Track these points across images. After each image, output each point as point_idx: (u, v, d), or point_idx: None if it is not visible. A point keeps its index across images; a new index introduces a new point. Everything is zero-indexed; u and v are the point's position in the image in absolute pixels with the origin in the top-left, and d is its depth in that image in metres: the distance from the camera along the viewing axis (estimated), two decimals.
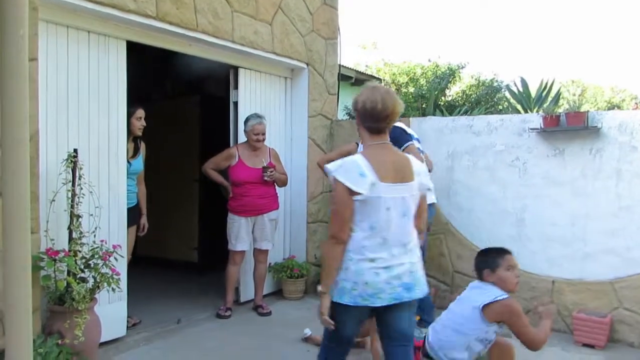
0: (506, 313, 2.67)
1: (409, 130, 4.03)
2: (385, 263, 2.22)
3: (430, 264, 5.12)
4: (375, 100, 2.24)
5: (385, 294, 2.22)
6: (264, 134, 4.50)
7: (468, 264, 4.92)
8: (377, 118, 2.25)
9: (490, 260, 2.88)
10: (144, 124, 4.07)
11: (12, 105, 1.85)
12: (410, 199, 2.27)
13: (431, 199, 4.03)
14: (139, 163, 4.15)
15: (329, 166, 2.23)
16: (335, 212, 2.21)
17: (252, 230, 4.54)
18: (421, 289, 2.31)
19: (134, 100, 4.00)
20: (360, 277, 2.21)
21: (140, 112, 4.04)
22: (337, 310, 2.28)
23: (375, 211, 2.18)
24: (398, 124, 3.41)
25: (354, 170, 2.18)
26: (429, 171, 2.60)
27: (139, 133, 4.06)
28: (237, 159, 4.51)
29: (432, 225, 4.82)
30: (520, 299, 4.58)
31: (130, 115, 3.96)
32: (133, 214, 4.11)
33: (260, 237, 4.55)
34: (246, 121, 4.53)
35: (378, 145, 2.28)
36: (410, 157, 2.36)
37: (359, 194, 2.16)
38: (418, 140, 4.12)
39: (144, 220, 4.28)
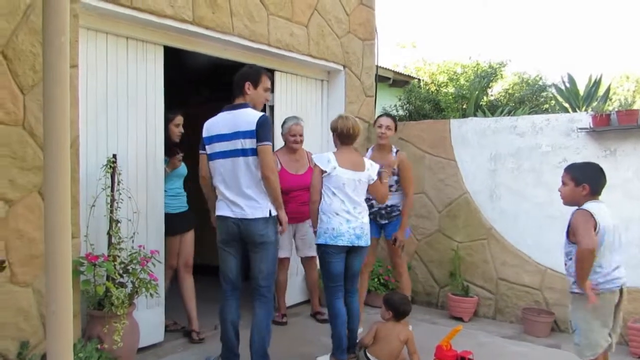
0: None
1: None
2: (346, 217, 3.58)
3: (473, 270, 5.02)
4: (346, 126, 3.69)
5: (345, 238, 3.56)
6: (301, 135, 4.49)
7: (513, 271, 4.81)
8: (347, 136, 3.70)
9: None
10: (182, 130, 4.13)
11: (54, 112, 1.91)
12: (358, 182, 3.65)
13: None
14: (183, 167, 4.20)
15: (313, 156, 3.80)
16: (311, 182, 3.66)
17: (294, 237, 4.53)
18: (366, 240, 3.65)
19: (172, 106, 4.07)
20: (330, 224, 3.56)
21: (179, 119, 4.10)
22: (320, 250, 3.61)
23: (335, 183, 3.60)
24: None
25: (324, 158, 3.65)
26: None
27: (177, 140, 4.11)
28: (279, 167, 4.43)
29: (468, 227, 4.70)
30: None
31: (168, 121, 4.02)
32: (187, 219, 4.17)
33: (303, 245, 4.52)
34: (283, 123, 4.54)
35: (345, 149, 3.72)
36: (365, 158, 3.82)
37: (325, 172, 3.58)
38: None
39: None
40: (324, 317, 4.60)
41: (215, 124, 3.35)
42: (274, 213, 3.31)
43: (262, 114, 3.28)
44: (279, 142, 4.76)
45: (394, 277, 4.58)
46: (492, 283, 4.94)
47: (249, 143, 3.21)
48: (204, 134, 3.40)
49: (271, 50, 4.54)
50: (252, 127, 3.20)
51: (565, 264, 2.98)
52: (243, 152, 3.23)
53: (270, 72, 4.87)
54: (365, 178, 3.70)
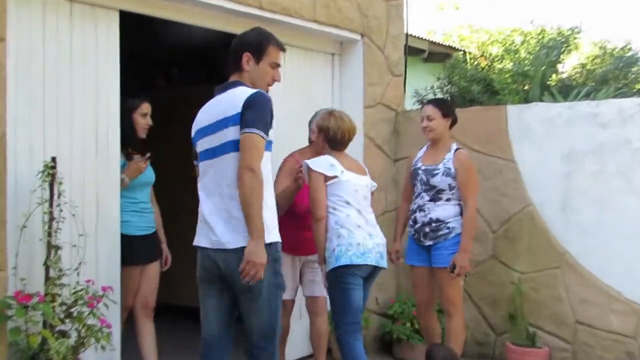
0: None
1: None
2: (368, 230, 3.86)
3: (542, 311, 4.97)
4: (341, 130, 3.95)
5: (372, 255, 3.79)
6: None
7: (597, 311, 4.75)
8: (342, 142, 3.99)
9: None
10: (150, 122, 4.12)
11: None
12: (366, 188, 4.00)
13: None
14: (151, 172, 4.20)
15: (307, 161, 3.90)
16: (312, 195, 3.83)
17: (301, 271, 4.48)
18: (385, 262, 3.94)
19: (131, 90, 4.06)
20: (354, 239, 3.75)
21: (146, 107, 4.08)
22: (337, 275, 3.76)
23: (347, 190, 3.85)
24: None
25: (325, 162, 3.85)
26: None
27: (143, 135, 4.11)
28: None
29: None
30: None
31: (131, 110, 4.02)
32: (153, 244, 4.17)
33: (312, 281, 4.46)
34: (314, 116, 4.42)
35: (338, 153, 3.98)
36: (359, 161, 4.33)
37: (332, 177, 3.81)
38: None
39: (166, 250, 4.34)
40: None
41: (201, 115, 3.23)
42: (270, 239, 2.98)
43: (255, 90, 3.03)
44: (290, 142, 4.67)
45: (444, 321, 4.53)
46: (567, 328, 4.89)
47: (232, 133, 2.98)
48: (192, 131, 3.26)
49: (264, 15, 4.54)
50: (238, 109, 2.95)
51: None
52: (226, 148, 3.02)
53: None
54: (369, 184, 4.06)
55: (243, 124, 2.92)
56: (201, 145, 3.17)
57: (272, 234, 3.02)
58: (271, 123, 3.01)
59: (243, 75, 3.14)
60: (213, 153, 3.08)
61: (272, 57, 3.17)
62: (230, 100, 3.03)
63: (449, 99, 6.70)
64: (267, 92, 3.16)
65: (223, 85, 3.18)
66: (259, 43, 3.15)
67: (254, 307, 3.03)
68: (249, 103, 2.93)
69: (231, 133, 2.97)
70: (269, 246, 2.95)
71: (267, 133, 2.96)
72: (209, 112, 3.16)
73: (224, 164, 3.03)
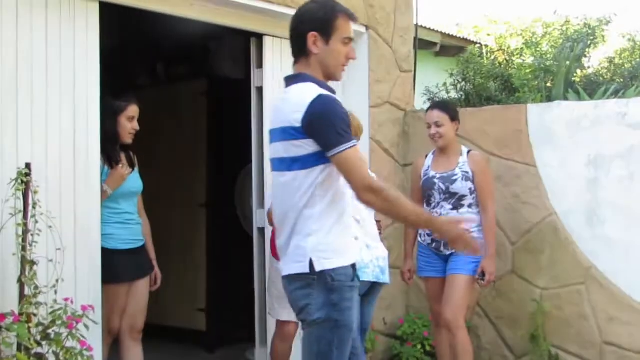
0: None
1: None
2: (366, 241, 3.95)
3: (566, 331, 4.99)
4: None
5: (369, 270, 3.91)
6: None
7: (626, 331, 4.76)
8: None
9: None
10: (137, 126, 4.12)
11: None
12: None
13: None
14: (138, 180, 4.22)
15: None
16: None
17: None
18: (388, 277, 4.11)
19: (120, 90, 4.08)
20: None
21: (134, 110, 4.09)
22: None
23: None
24: None
25: None
26: None
27: (129, 140, 4.11)
28: None
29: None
30: None
31: (117, 112, 4.03)
32: (142, 259, 4.19)
33: None
34: None
35: None
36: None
37: None
38: None
39: (156, 268, 4.35)
40: None
41: (272, 113, 3.12)
42: (327, 266, 2.80)
43: (317, 94, 2.79)
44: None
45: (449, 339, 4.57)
46: (594, 349, 4.90)
47: (295, 149, 2.81)
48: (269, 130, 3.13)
49: (257, 5, 4.55)
50: (297, 120, 2.77)
51: None
52: (284, 163, 2.88)
53: (258, 39, 4.92)
54: None
55: (324, 145, 2.76)
56: (273, 151, 3.03)
57: (326, 259, 2.83)
58: (348, 122, 2.84)
59: (311, 61, 2.93)
60: (279, 165, 2.96)
61: (344, 31, 2.93)
62: (292, 104, 2.86)
63: (464, 97, 6.73)
64: (342, 72, 3.04)
65: (290, 76, 3.01)
66: (325, 17, 2.90)
67: (305, 341, 2.93)
68: (316, 118, 2.76)
69: (294, 148, 2.83)
70: (321, 274, 2.80)
71: (350, 138, 2.78)
72: (277, 111, 3.02)
73: (286, 181, 2.91)
